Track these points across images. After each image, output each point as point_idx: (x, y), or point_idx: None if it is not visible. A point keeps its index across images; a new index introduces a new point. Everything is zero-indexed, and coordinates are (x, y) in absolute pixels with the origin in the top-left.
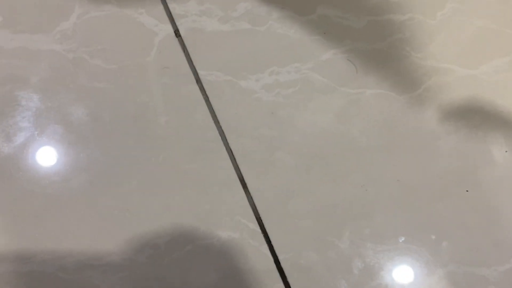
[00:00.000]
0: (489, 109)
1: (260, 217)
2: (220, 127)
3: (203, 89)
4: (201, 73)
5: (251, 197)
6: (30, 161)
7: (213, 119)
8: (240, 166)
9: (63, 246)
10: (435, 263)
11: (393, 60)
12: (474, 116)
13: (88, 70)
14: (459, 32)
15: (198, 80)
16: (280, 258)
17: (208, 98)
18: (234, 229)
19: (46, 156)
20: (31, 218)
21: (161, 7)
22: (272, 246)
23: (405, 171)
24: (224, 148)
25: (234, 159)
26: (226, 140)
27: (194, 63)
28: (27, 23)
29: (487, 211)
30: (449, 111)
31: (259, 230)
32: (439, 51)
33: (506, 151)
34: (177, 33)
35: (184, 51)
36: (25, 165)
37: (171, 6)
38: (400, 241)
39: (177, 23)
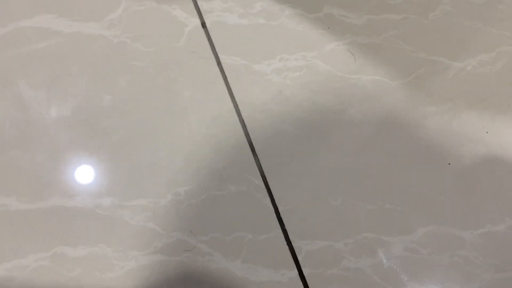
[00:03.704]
0: (472, 96)
1: (264, 175)
2: (235, 101)
3: (223, 70)
4: (221, 57)
5: (258, 159)
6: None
7: (230, 94)
8: (250, 133)
9: (100, 189)
10: (417, 223)
11: (388, 52)
12: (458, 101)
13: (129, 52)
14: (448, 30)
15: (219, 63)
16: (280, 209)
17: (226, 77)
18: (242, 184)
19: (94, 119)
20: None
21: (191, 4)
22: (274, 199)
23: (393, 144)
24: (238, 118)
25: (245, 127)
26: (240, 112)
27: (216, 49)
28: (83, 14)
29: (465, 182)
30: (436, 96)
31: (263, 186)
32: (430, 46)
33: (486, 132)
34: (203, 24)
35: (208, 39)
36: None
37: (200, 3)
38: (385, 202)
39: (204, 17)
